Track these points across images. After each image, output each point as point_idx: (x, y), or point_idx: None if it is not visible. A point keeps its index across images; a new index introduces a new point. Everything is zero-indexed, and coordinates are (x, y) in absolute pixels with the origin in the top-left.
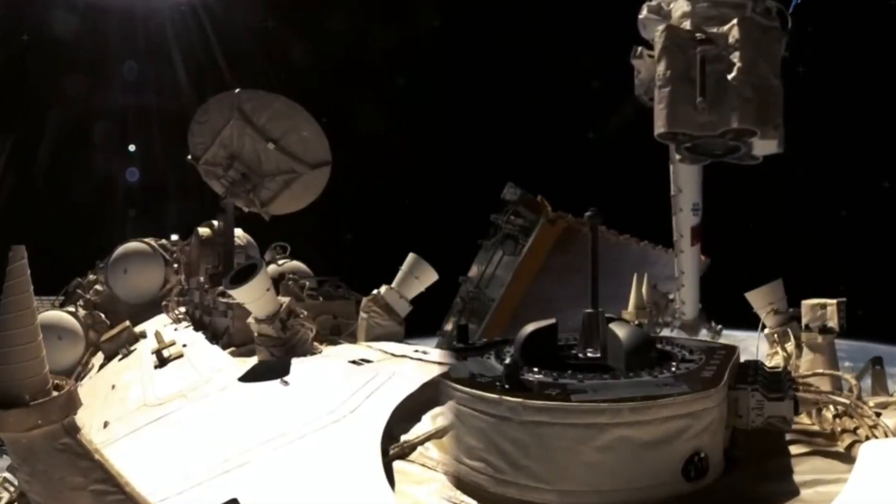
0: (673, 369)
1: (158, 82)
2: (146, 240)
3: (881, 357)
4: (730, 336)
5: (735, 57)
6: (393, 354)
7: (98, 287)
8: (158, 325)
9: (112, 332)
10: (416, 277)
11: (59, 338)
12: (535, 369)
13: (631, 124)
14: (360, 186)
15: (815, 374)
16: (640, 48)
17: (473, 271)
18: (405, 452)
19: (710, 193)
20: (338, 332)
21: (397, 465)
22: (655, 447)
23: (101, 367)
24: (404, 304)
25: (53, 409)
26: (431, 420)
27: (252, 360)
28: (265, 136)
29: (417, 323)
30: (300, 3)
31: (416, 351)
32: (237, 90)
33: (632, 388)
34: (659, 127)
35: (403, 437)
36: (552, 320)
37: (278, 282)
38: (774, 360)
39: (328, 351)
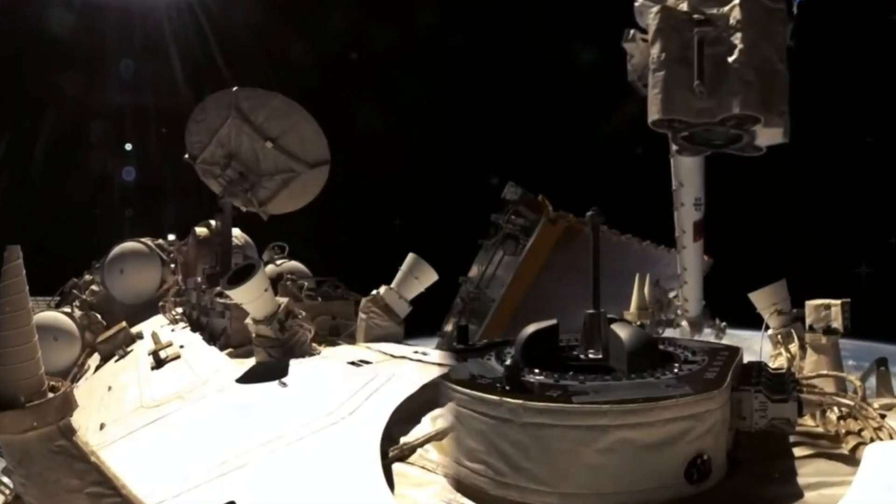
0: (675, 370)
1: (155, 80)
2: (143, 240)
3: (886, 358)
4: (733, 335)
5: (736, 39)
6: (392, 355)
7: (94, 287)
8: (155, 325)
9: (108, 333)
10: (415, 278)
11: (54, 339)
12: (536, 370)
13: (632, 123)
14: (359, 186)
15: (819, 376)
16: (632, 31)
17: (474, 271)
18: (405, 454)
19: (712, 191)
20: (336, 333)
21: (397, 467)
22: (658, 449)
23: (98, 368)
24: (404, 304)
25: (49, 411)
26: (431, 422)
27: (250, 362)
28: (263, 135)
29: (417, 324)
30: (299, 1)
31: (416, 352)
32: (235, 88)
33: (634, 390)
34: (653, 113)
35: (403, 439)
36: (553, 321)
37: (276, 282)
38: (778, 362)
39: (327, 352)
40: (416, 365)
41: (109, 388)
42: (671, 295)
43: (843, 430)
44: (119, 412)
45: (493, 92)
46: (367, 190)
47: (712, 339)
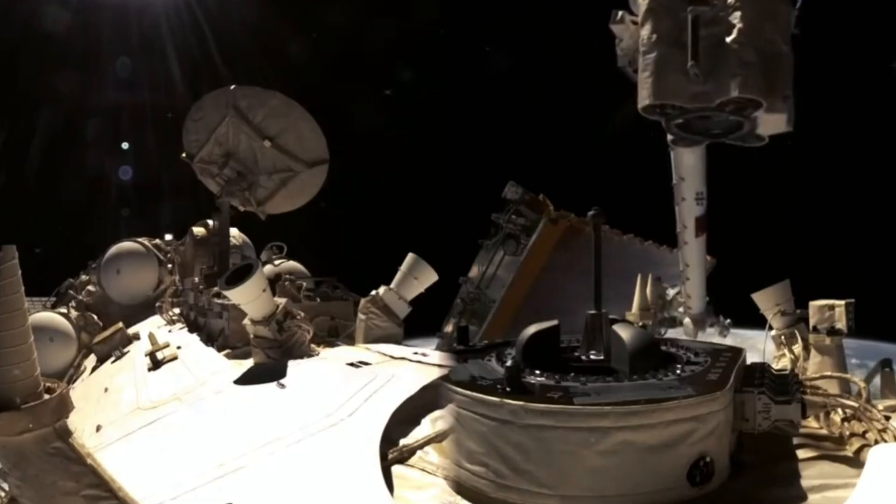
0: (678, 372)
1: (152, 79)
2: (140, 239)
3: (890, 359)
4: (737, 335)
5: (735, 18)
6: (392, 356)
7: (90, 288)
8: (152, 326)
9: (105, 334)
10: (415, 278)
11: (50, 340)
12: (537, 372)
13: (634, 121)
14: (358, 185)
15: (822, 377)
16: (620, 12)
17: (474, 272)
18: (404, 457)
19: (713, 190)
20: (335, 334)
21: (396, 469)
22: (660, 451)
23: (94, 369)
24: (403, 305)
25: (45, 413)
26: (431, 423)
27: (248, 363)
28: (261, 134)
29: (417, 324)
30: None
31: (416, 353)
32: (233, 87)
33: (636, 391)
34: (643, 98)
35: (402, 441)
36: (554, 322)
37: (275, 282)
38: (781, 363)
39: (325, 353)
40: (415, 366)
41: (106, 390)
42: (673, 292)
43: (847, 432)
44: (116, 414)
45: (494, 90)
46: (367, 189)
47: (716, 336)
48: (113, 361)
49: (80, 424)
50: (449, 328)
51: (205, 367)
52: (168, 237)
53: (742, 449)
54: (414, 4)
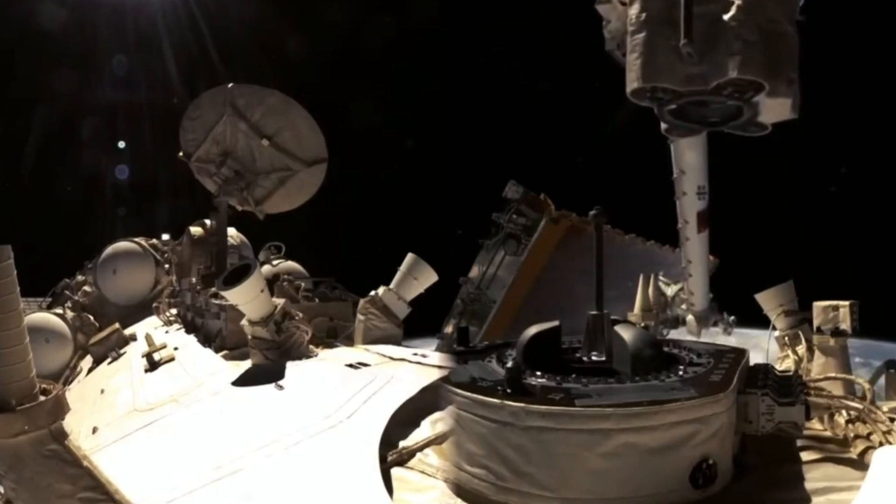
0: (680, 373)
1: (149, 77)
2: (136, 239)
3: (895, 360)
4: (741, 334)
5: None
6: (391, 358)
7: (86, 288)
8: (149, 327)
9: (101, 335)
10: (414, 278)
11: (46, 341)
12: (538, 373)
13: (636, 120)
14: (357, 184)
15: (826, 378)
16: None
17: (474, 272)
18: (404, 459)
19: (715, 189)
20: (334, 335)
21: (396, 471)
22: (662, 453)
23: (90, 370)
24: (403, 305)
25: (41, 415)
26: (431, 425)
27: (245, 364)
28: (259, 133)
29: (416, 325)
30: None
31: (415, 354)
32: (230, 85)
33: (638, 393)
34: (631, 81)
35: (402, 443)
36: (555, 322)
37: (273, 283)
38: (785, 364)
39: (324, 354)
40: (415, 367)
41: (102, 391)
42: (676, 288)
43: (852, 434)
44: (112, 416)
45: (494, 88)
46: (366, 189)
47: (720, 335)
48: (109, 363)
49: (75, 426)
50: (449, 329)
51: (202, 369)
52: (165, 237)
53: (745, 451)
54: (413, 2)
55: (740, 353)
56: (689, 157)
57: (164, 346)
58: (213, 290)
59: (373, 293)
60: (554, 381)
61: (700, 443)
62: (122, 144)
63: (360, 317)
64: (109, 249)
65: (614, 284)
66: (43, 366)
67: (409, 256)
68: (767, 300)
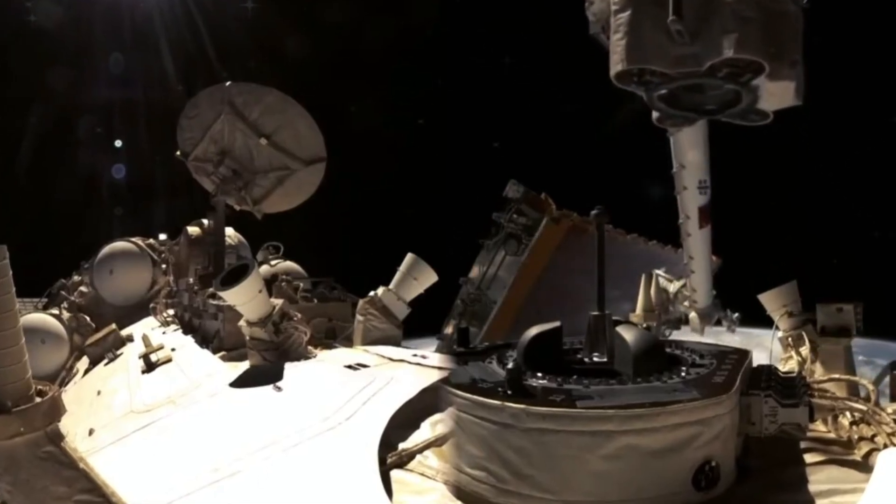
0: (683, 374)
1: (146, 75)
2: (133, 239)
3: None
4: (745, 333)
5: None
6: (390, 359)
7: (83, 288)
8: (146, 328)
9: (98, 336)
10: (414, 278)
11: (42, 341)
12: (539, 374)
13: (637, 118)
14: (356, 184)
15: (830, 380)
16: None
17: (474, 272)
18: (403, 461)
19: (716, 189)
20: (333, 336)
21: (395, 474)
22: (664, 455)
23: (87, 371)
24: (402, 306)
25: (36, 416)
26: (431, 427)
27: (243, 365)
28: (257, 132)
29: (416, 326)
30: None
31: (415, 355)
32: (228, 83)
33: (640, 394)
34: (615, 64)
35: (401, 445)
36: (556, 323)
37: (271, 283)
38: (788, 365)
39: (323, 355)
40: (415, 368)
41: (99, 393)
42: (679, 284)
43: (856, 436)
44: (108, 417)
45: (494, 86)
46: (365, 188)
47: (724, 333)
48: (106, 364)
49: (72, 428)
50: (449, 330)
51: (200, 370)
52: (162, 237)
53: (748, 453)
54: (413, 1)
55: (743, 354)
56: (689, 150)
57: (161, 347)
58: (211, 290)
59: (372, 293)
60: (555, 382)
61: (703, 445)
62: (118, 143)
63: (359, 317)
64: (106, 249)
65: (616, 285)
66: (39, 367)
67: (409, 256)
68: (771, 301)
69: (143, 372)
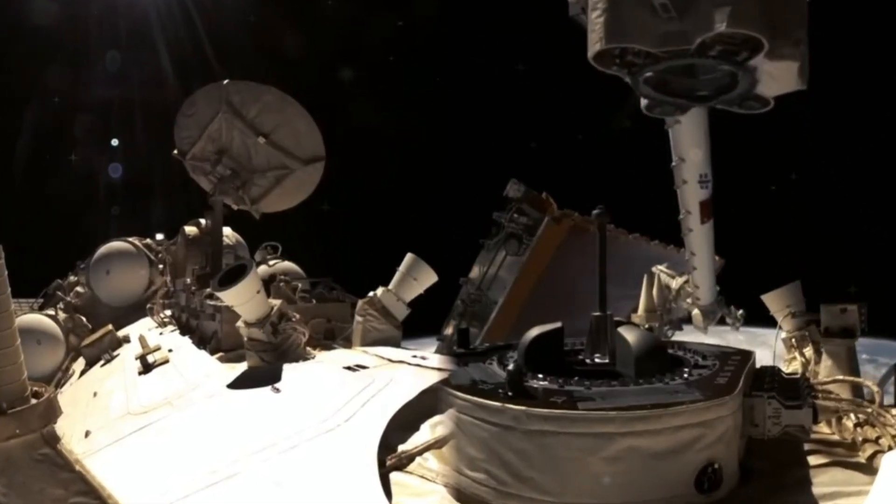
0: (685, 376)
1: (143, 73)
2: (130, 239)
3: None
4: (749, 332)
5: None
6: (390, 360)
7: (79, 289)
8: (143, 328)
9: (94, 337)
10: (414, 279)
11: (37, 342)
12: (540, 376)
13: (639, 116)
14: (355, 183)
15: (834, 381)
16: None
17: (475, 272)
18: (403, 463)
19: (717, 188)
20: (332, 337)
21: (395, 476)
22: (667, 458)
23: (83, 373)
24: (402, 306)
25: (32, 418)
26: (430, 429)
27: (241, 366)
28: (255, 130)
29: (416, 327)
30: None
31: (415, 356)
32: (226, 81)
33: (642, 396)
34: (594, 44)
35: (401, 448)
36: (558, 324)
37: (269, 283)
38: (792, 366)
39: (321, 356)
40: (414, 370)
41: (95, 394)
42: (681, 280)
43: (860, 438)
44: (105, 419)
45: (495, 85)
46: (364, 187)
47: (728, 331)
48: (102, 365)
49: (68, 430)
50: (449, 330)
51: (197, 371)
52: (159, 237)
53: (751, 455)
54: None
55: (746, 356)
56: (688, 142)
57: (158, 348)
58: (209, 290)
59: (371, 294)
60: (556, 383)
61: (705, 447)
62: (115, 142)
63: (358, 318)
64: (102, 249)
65: (618, 285)
66: (34, 368)
67: (409, 256)
68: (774, 301)
69: (140, 373)
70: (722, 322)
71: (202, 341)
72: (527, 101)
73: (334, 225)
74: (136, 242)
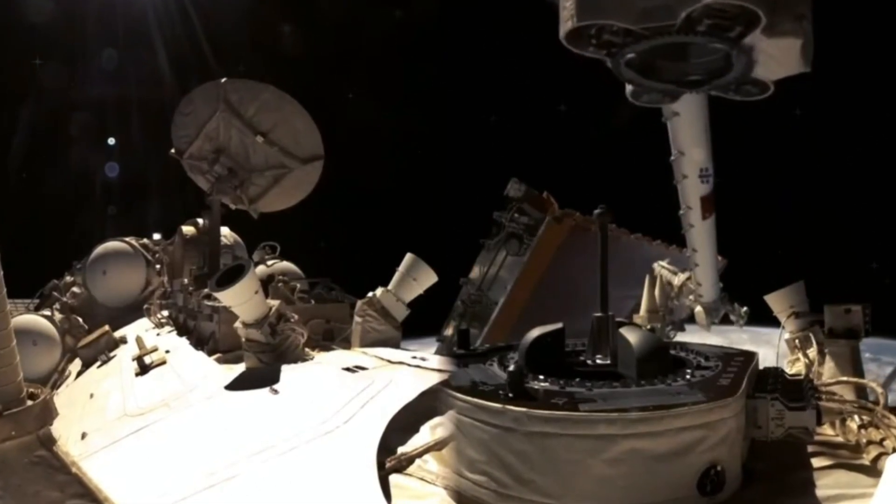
0: (687, 377)
1: (139, 71)
2: (127, 239)
3: None
4: (752, 332)
5: None
6: (389, 361)
7: (75, 289)
8: (140, 329)
9: (90, 338)
10: (413, 279)
11: (33, 343)
12: (541, 377)
13: (641, 114)
14: (354, 182)
15: (838, 382)
16: None
17: (475, 272)
18: (402, 465)
19: (718, 187)
20: (331, 338)
21: (394, 478)
22: (669, 460)
23: (79, 374)
24: (401, 307)
25: (28, 420)
26: (430, 431)
27: (239, 367)
28: (253, 129)
29: (416, 328)
30: None
31: (414, 357)
32: (223, 80)
33: (644, 397)
34: (566, 21)
35: (400, 450)
36: (559, 325)
37: (267, 284)
38: (795, 367)
39: (320, 357)
40: (414, 371)
41: (91, 396)
42: (683, 277)
43: (865, 440)
44: (102, 421)
45: (496, 84)
46: (363, 187)
47: (732, 330)
48: (99, 366)
49: (64, 432)
50: (449, 331)
51: (194, 372)
52: (156, 236)
53: (754, 457)
54: None
55: (749, 357)
56: (687, 135)
57: (155, 349)
58: (206, 291)
59: (370, 294)
60: (557, 385)
61: (708, 449)
62: (111, 141)
63: (357, 319)
64: (99, 249)
65: (619, 285)
66: (30, 369)
67: (408, 256)
68: (777, 301)
69: (137, 374)
70: (726, 320)
71: (200, 342)
72: (527, 101)
73: (333, 225)
74: (133, 242)
